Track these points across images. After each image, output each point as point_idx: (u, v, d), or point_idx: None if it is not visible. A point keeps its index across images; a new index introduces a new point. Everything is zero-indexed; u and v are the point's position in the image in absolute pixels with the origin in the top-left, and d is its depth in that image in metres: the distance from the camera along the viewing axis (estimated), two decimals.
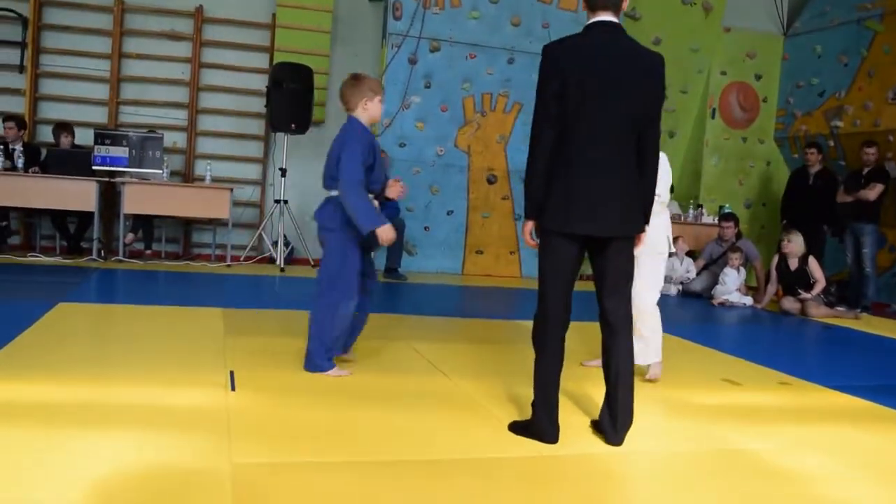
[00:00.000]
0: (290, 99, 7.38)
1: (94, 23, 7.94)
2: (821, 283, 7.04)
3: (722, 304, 7.41)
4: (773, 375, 4.21)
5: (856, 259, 7.61)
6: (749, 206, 9.76)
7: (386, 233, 3.31)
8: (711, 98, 9.45)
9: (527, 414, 2.82)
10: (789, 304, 7.04)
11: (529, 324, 2.80)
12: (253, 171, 8.48)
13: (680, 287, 8.04)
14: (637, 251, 2.81)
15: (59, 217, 7.48)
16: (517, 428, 2.81)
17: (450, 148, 8.27)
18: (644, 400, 3.17)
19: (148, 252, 7.70)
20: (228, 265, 7.52)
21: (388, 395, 3.23)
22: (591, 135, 2.62)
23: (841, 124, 8.67)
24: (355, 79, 3.47)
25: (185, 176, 8.21)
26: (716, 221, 8.62)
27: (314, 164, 8.06)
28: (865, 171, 7.60)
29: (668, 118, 9.09)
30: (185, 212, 7.51)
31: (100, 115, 7.99)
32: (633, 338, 2.81)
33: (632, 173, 2.70)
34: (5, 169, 6.91)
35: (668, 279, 7.63)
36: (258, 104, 8.16)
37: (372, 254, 3.69)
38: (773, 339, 6.04)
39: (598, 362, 2.93)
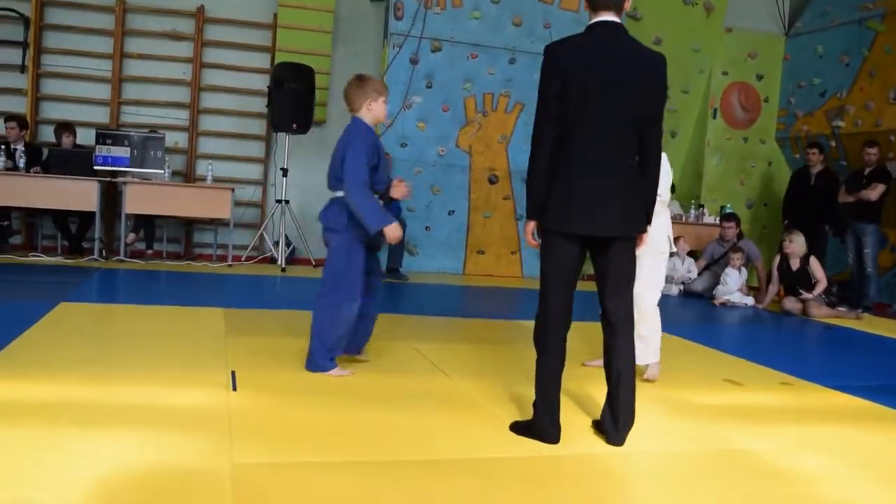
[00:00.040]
0: (292, 99, 7.39)
1: (96, 23, 7.95)
2: (822, 284, 7.04)
3: (723, 305, 7.41)
4: (774, 376, 4.21)
5: (857, 259, 7.60)
6: (750, 206, 9.76)
7: (393, 231, 3.32)
8: (713, 98, 9.45)
9: (528, 414, 2.82)
10: (791, 304, 7.04)
11: (530, 324, 2.81)
12: (254, 171, 8.49)
13: (681, 287, 8.04)
14: (638, 251, 2.81)
15: (60, 217, 7.49)
16: (518, 428, 2.81)
17: (451, 148, 8.27)
18: (645, 400, 3.17)
19: (149, 252, 7.71)
20: (230, 265, 7.52)
21: (389, 394, 3.23)
22: (592, 135, 2.62)
23: (842, 124, 8.66)
24: (360, 79, 3.47)
25: (187, 176, 8.21)
26: (717, 221, 8.62)
27: (316, 164, 8.13)
28: (867, 171, 7.60)
29: (670, 118, 9.09)
30: (186, 212, 7.52)
31: (101, 115, 8.00)
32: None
33: (633, 173, 2.70)
34: (7, 169, 6.92)
35: (669, 279, 7.65)
36: (259, 104, 8.16)
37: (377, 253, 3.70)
38: (775, 340, 6.04)
39: (600, 362, 2.93)
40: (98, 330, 4.41)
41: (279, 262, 7.59)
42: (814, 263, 7.08)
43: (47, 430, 2.46)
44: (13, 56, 7.75)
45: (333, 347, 3.44)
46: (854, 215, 7.58)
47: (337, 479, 2.27)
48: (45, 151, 7.44)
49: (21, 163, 7.00)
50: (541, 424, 2.71)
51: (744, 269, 7.69)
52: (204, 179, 7.76)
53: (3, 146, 6.99)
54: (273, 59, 8.15)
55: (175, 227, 8.23)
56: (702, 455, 2.80)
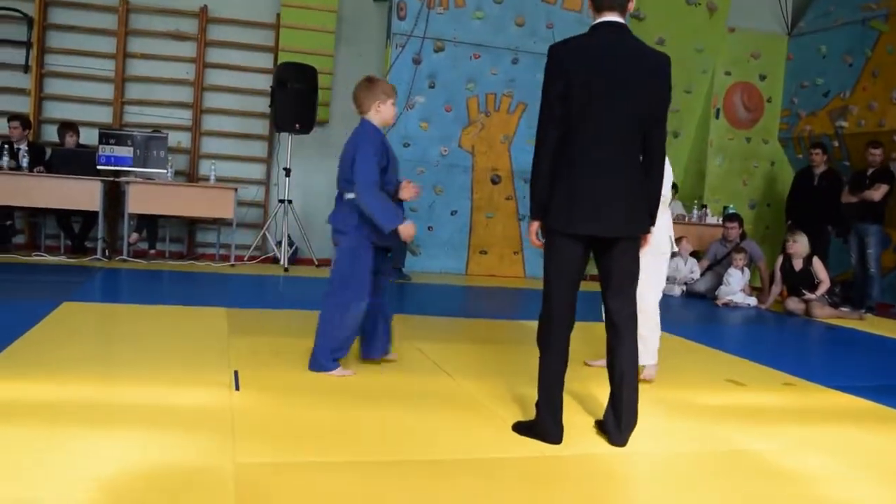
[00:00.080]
0: (295, 99, 7.39)
1: (99, 23, 7.96)
2: (825, 284, 7.03)
3: (726, 305, 7.40)
4: (777, 376, 4.20)
5: (860, 260, 7.59)
6: (753, 206, 9.75)
7: (407, 229, 3.34)
8: (715, 98, 9.44)
9: (530, 414, 2.82)
10: (793, 304, 7.03)
11: (533, 324, 2.80)
12: (257, 171, 8.49)
13: (684, 287, 8.03)
14: (641, 251, 2.81)
15: (63, 216, 7.50)
16: (521, 428, 2.81)
17: (454, 148, 8.27)
18: (647, 400, 3.16)
19: (152, 252, 7.72)
20: (232, 265, 7.53)
21: (391, 394, 3.24)
22: (596, 135, 2.62)
23: (846, 124, 8.65)
24: (369, 81, 3.49)
25: (190, 176, 8.22)
26: (720, 222, 8.60)
27: (318, 164, 8.16)
28: (870, 171, 7.58)
29: (673, 118, 9.04)
30: (189, 211, 7.53)
31: (104, 115, 8.02)
32: None
33: (636, 173, 2.69)
34: (10, 168, 6.93)
35: (672, 279, 7.65)
36: (262, 104, 8.16)
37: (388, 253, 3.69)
38: (778, 340, 6.03)
39: (602, 362, 2.93)
40: (101, 329, 4.42)
41: (282, 262, 7.60)
42: (817, 264, 7.07)
43: (50, 429, 2.46)
44: (17, 56, 7.76)
45: (340, 347, 3.44)
46: (857, 216, 7.56)
47: (339, 478, 2.28)
48: (49, 151, 7.46)
49: (24, 162, 7.01)
50: (543, 425, 2.71)
51: (747, 270, 7.68)
52: (207, 179, 7.76)
53: (6, 146, 7.01)
54: (276, 59, 8.15)
55: (178, 226, 8.24)
56: (704, 455, 2.80)
